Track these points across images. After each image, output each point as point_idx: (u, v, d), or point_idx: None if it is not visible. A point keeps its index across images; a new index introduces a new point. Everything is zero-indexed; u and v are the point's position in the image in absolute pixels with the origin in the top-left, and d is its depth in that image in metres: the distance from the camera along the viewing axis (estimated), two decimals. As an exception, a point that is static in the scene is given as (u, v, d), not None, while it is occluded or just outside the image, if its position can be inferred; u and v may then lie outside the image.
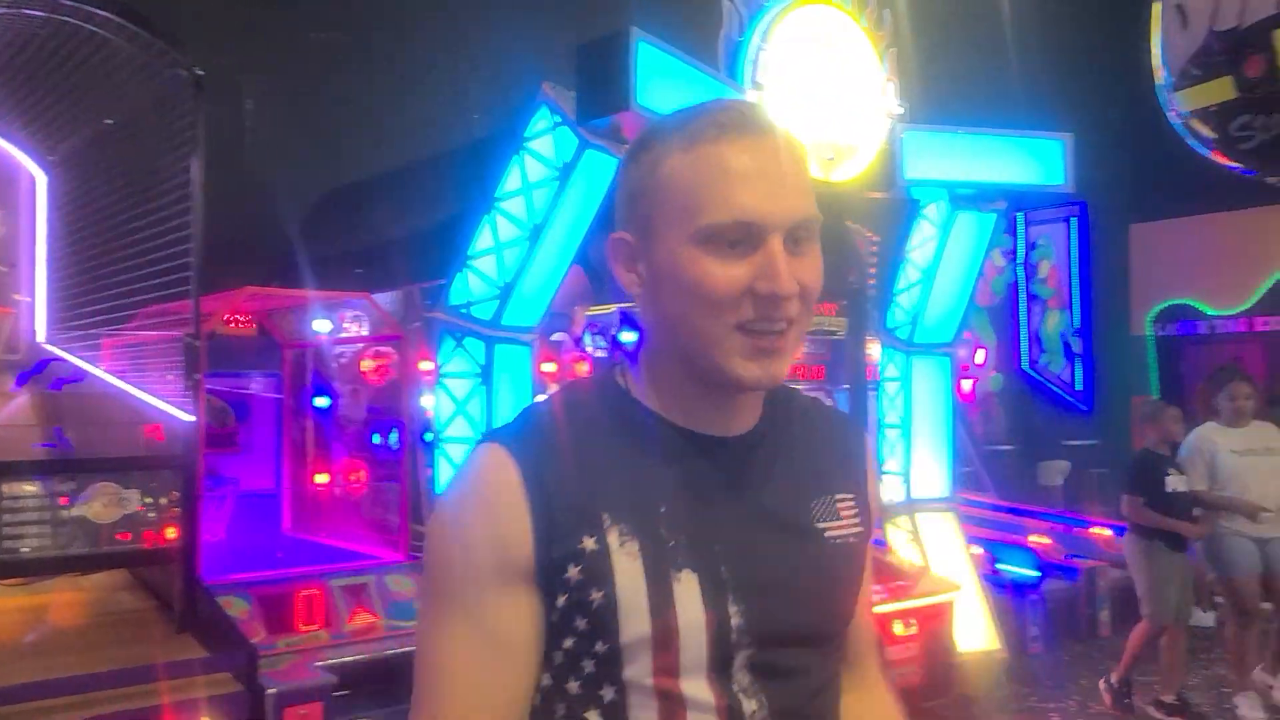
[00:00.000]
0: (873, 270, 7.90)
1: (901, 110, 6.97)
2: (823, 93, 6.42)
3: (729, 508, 1.12)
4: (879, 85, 6.82)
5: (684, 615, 1.06)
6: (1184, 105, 2.10)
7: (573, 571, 1.05)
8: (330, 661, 4.72)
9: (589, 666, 1.08)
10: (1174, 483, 5.19)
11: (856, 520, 1.21)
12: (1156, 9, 2.10)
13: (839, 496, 1.21)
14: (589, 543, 1.06)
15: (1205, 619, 6.48)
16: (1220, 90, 1.90)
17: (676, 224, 1.06)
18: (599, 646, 1.07)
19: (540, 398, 1.24)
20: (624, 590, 1.05)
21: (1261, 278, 11.61)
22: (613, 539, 1.06)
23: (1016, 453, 11.13)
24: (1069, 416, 11.85)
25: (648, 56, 5.21)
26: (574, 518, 1.06)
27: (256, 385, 8.01)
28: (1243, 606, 5.20)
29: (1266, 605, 5.28)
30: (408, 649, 4.38)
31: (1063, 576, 7.58)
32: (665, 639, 1.06)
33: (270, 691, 4.22)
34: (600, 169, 5.51)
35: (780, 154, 1.07)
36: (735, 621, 1.08)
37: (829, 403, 1.33)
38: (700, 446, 1.13)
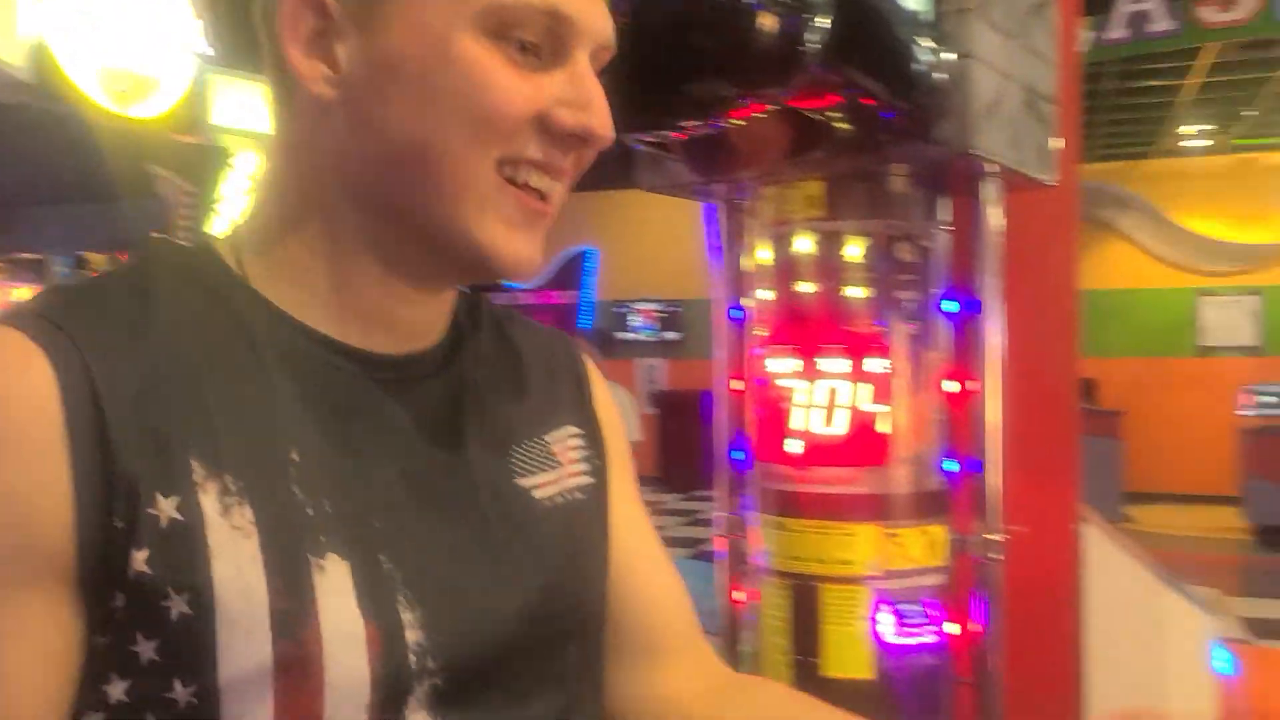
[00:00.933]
0: (186, 224, 7.54)
1: (212, 52, 6.69)
2: (109, 12, 5.90)
3: (394, 460, 0.71)
4: (183, 19, 6.47)
5: (331, 628, 0.62)
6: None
7: (137, 559, 0.60)
8: None
9: None
10: None
11: (585, 464, 0.84)
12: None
13: (558, 434, 0.83)
14: (165, 506, 0.60)
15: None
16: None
17: None
18: (178, 691, 0.61)
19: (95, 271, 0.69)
20: (227, 587, 0.61)
21: (551, 257, 13.35)
22: (208, 501, 0.62)
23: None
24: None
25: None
26: (144, 462, 0.61)
27: None
28: None
29: None
30: None
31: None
32: (300, 670, 0.61)
33: None
34: None
35: None
36: (412, 637, 0.65)
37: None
38: (356, 367, 0.72)
